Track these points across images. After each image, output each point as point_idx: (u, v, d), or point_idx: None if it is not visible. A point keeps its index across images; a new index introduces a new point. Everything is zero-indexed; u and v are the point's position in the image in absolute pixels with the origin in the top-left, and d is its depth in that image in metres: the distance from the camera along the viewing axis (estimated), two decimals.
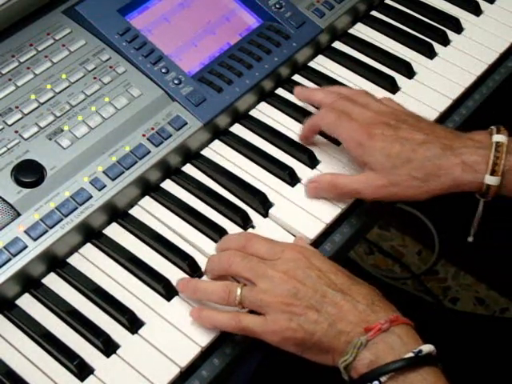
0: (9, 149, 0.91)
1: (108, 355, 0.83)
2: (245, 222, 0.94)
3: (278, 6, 1.11)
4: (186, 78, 1.02)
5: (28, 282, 0.87)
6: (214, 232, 0.93)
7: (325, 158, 1.01)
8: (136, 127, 0.96)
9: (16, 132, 0.92)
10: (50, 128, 0.94)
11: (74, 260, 0.90)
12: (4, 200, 0.88)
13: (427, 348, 0.78)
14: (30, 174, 0.89)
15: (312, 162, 1.00)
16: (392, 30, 1.18)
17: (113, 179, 0.92)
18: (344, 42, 1.16)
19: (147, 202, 0.96)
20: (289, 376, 1.09)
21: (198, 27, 1.07)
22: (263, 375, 1.12)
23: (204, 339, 0.85)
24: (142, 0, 1.06)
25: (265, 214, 0.96)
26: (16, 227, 0.87)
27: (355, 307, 0.80)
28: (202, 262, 0.90)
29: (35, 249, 0.86)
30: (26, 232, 0.87)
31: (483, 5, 1.22)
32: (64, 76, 0.97)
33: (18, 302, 0.87)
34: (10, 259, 0.85)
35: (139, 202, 0.96)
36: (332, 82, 1.09)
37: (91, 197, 0.91)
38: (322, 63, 1.13)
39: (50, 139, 0.93)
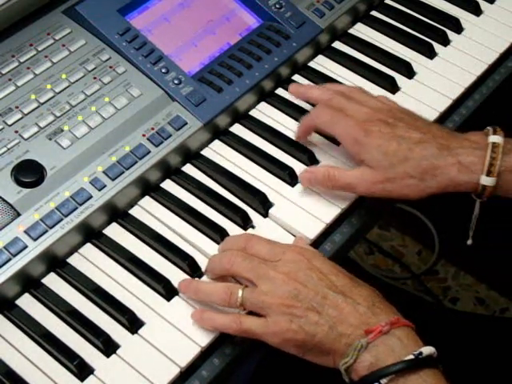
0: (9, 149, 0.91)
1: (108, 355, 0.83)
2: (245, 222, 0.94)
3: (278, 6, 1.11)
4: (186, 78, 1.02)
5: (28, 281, 0.87)
6: (214, 232, 0.93)
7: (324, 157, 1.01)
8: (136, 127, 0.96)
9: (16, 132, 0.92)
10: (50, 128, 0.94)
11: (74, 260, 0.90)
12: (4, 200, 0.88)
13: (428, 350, 0.78)
14: (30, 173, 0.89)
15: (312, 162, 1.00)
16: (392, 30, 1.18)
17: (113, 179, 0.92)
18: (344, 42, 1.16)
19: (147, 202, 0.96)
20: (289, 376, 1.09)
21: (198, 27, 1.07)
22: (263, 375, 1.12)
23: (204, 339, 0.85)
24: (142, 0, 1.06)
25: (265, 214, 0.96)
26: (16, 227, 0.87)
27: (356, 309, 0.80)
28: (202, 262, 0.90)
29: (35, 249, 0.86)
30: (25, 232, 0.87)
31: (483, 5, 1.22)
32: (64, 76, 0.97)
33: (18, 301, 0.87)
34: (9, 259, 0.85)
35: (139, 202, 0.96)
36: (332, 82, 1.09)
37: (91, 197, 0.91)
38: (321, 63, 1.13)
39: (50, 139, 0.93)
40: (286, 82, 1.09)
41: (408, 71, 1.12)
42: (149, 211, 0.95)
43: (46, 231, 0.87)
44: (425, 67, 1.13)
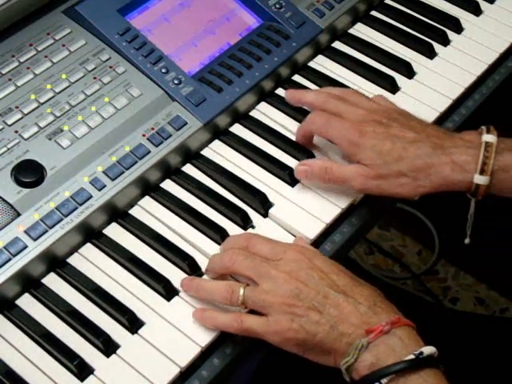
0: (9, 149, 0.91)
1: (108, 355, 0.83)
2: (245, 222, 0.94)
3: (278, 6, 1.11)
4: (186, 78, 1.02)
5: (28, 281, 0.87)
6: (214, 232, 0.93)
7: (324, 158, 1.01)
8: (136, 127, 0.96)
9: (16, 132, 0.92)
10: (50, 128, 0.94)
11: (74, 260, 0.90)
12: (4, 200, 0.88)
13: (428, 350, 0.78)
14: (30, 174, 0.89)
15: None
16: (392, 30, 1.18)
17: (113, 179, 0.92)
18: (344, 42, 1.16)
19: (147, 202, 0.96)
20: (290, 375, 1.09)
21: (198, 27, 1.07)
22: (263, 375, 1.12)
23: (204, 339, 0.85)
24: (142, 0, 1.06)
25: (265, 214, 0.96)
26: (16, 227, 0.87)
27: (357, 309, 0.80)
28: (202, 262, 0.90)
29: (35, 249, 0.86)
30: (26, 232, 0.87)
31: (483, 5, 1.22)
32: (64, 76, 0.97)
33: (18, 302, 0.87)
34: (9, 259, 0.85)
35: (139, 202, 0.96)
36: (332, 82, 1.09)
37: (91, 197, 0.91)
38: (321, 63, 1.13)
39: (50, 139, 0.93)
40: (286, 82, 1.09)
41: (408, 71, 1.12)
42: (149, 211, 0.95)
43: (46, 231, 0.87)
44: (425, 67, 1.13)
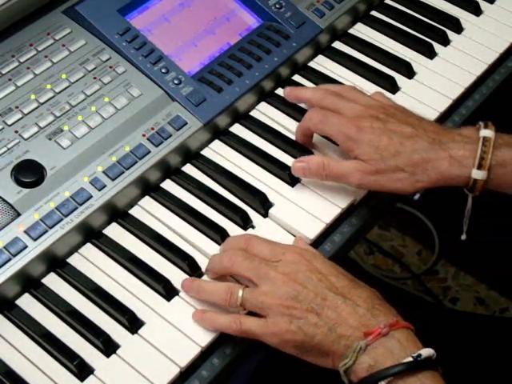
0: (9, 149, 0.91)
1: (108, 355, 0.83)
2: (245, 222, 0.94)
3: (278, 6, 1.11)
4: (186, 78, 1.02)
5: (28, 281, 0.87)
6: (214, 232, 0.93)
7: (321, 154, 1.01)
8: (136, 127, 0.96)
9: (16, 132, 0.92)
10: (50, 128, 0.94)
11: (74, 260, 0.90)
12: (4, 200, 0.88)
13: (426, 352, 0.78)
14: (30, 173, 0.89)
15: None
16: (392, 30, 1.18)
17: (113, 179, 0.92)
18: (344, 42, 1.16)
19: (147, 202, 0.96)
20: (289, 376, 1.09)
21: (198, 27, 1.07)
22: (263, 375, 1.12)
23: (204, 339, 0.85)
24: (142, 0, 1.06)
25: (265, 214, 0.96)
26: (16, 227, 0.87)
27: (355, 311, 0.80)
28: (202, 262, 0.90)
29: (35, 249, 0.86)
30: (26, 232, 0.87)
31: (483, 5, 1.22)
32: (64, 76, 0.97)
33: (18, 301, 0.87)
34: (9, 259, 0.85)
35: (139, 202, 0.96)
36: (332, 82, 1.09)
37: (91, 197, 0.91)
38: (321, 63, 1.13)
39: (50, 139, 0.93)
40: (286, 82, 1.09)
41: (408, 71, 1.12)
42: (149, 211, 0.95)
43: (46, 231, 0.87)
44: (425, 67, 1.13)
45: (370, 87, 1.09)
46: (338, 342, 0.80)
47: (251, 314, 0.84)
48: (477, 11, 1.21)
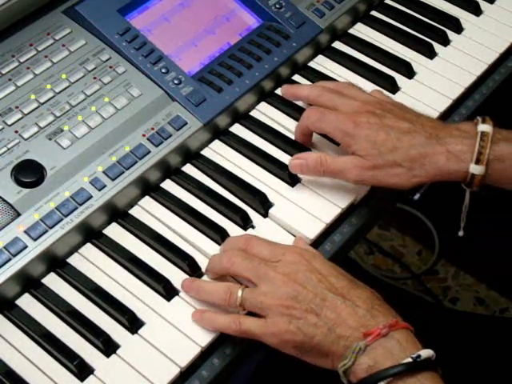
0: (9, 149, 0.91)
1: (108, 355, 0.83)
2: (245, 222, 0.94)
3: (278, 6, 1.11)
4: (186, 78, 1.02)
5: (28, 281, 0.87)
6: (214, 232, 0.93)
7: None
8: (136, 127, 0.96)
9: (16, 132, 0.92)
10: (50, 128, 0.94)
11: (74, 260, 0.90)
12: (4, 200, 0.88)
13: (426, 353, 0.77)
14: (30, 173, 0.89)
15: None
16: (392, 30, 1.18)
17: (113, 179, 0.92)
18: (344, 42, 1.16)
19: (147, 202, 0.96)
20: (288, 376, 1.09)
21: (198, 27, 1.07)
22: (263, 375, 1.12)
23: (204, 339, 0.85)
24: (142, 0, 1.06)
25: (265, 214, 0.96)
26: (16, 227, 0.87)
27: (355, 312, 0.80)
28: (202, 262, 0.90)
29: (35, 249, 0.86)
30: (26, 232, 0.87)
31: (483, 5, 1.22)
32: (64, 76, 0.97)
33: (18, 301, 0.87)
34: (9, 259, 0.85)
35: (139, 202, 0.96)
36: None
37: (91, 197, 0.91)
38: (321, 63, 1.13)
39: (50, 139, 0.93)
40: (285, 82, 1.09)
41: (408, 71, 1.12)
42: (149, 211, 0.95)
43: (46, 231, 0.87)
44: (425, 67, 1.13)
45: (369, 87, 1.09)
46: (337, 343, 0.80)
47: (251, 314, 0.84)
48: (477, 11, 1.21)
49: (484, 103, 1.11)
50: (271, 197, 0.97)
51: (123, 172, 0.93)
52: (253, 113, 1.06)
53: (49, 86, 0.96)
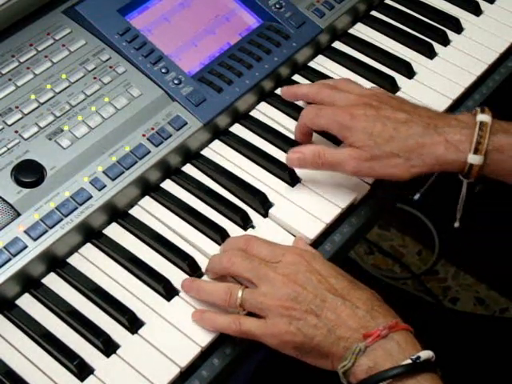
0: (9, 149, 0.91)
1: (108, 355, 0.83)
2: (245, 222, 0.94)
3: (278, 6, 1.11)
4: (186, 78, 1.02)
5: (28, 281, 0.87)
6: (214, 232, 0.93)
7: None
8: (136, 127, 0.96)
9: (16, 132, 0.92)
10: (50, 128, 0.94)
11: (74, 260, 0.90)
12: (4, 200, 0.88)
13: (426, 354, 0.77)
14: (30, 173, 0.89)
15: None
16: (392, 30, 1.18)
17: (113, 179, 0.92)
18: (344, 42, 1.16)
19: (147, 202, 0.96)
20: (288, 377, 1.09)
21: (198, 27, 1.07)
22: (263, 375, 1.12)
23: (204, 339, 0.85)
24: (142, 0, 1.06)
25: (265, 214, 0.96)
26: (16, 227, 0.87)
27: (355, 313, 0.80)
28: (202, 262, 0.90)
29: (35, 249, 0.86)
30: (26, 232, 0.87)
31: (483, 5, 1.22)
32: (64, 76, 0.97)
33: (18, 301, 0.87)
34: (9, 259, 0.85)
35: (139, 202, 0.96)
36: None
37: (91, 197, 0.91)
38: (321, 63, 1.13)
39: (50, 139, 0.93)
40: (285, 82, 1.09)
41: (408, 71, 1.12)
42: (149, 211, 0.95)
43: (46, 231, 0.87)
44: (425, 67, 1.13)
45: (370, 87, 1.09)
46: (337, 344, 0.80)
47: (251, 314, 0.84)
48: (477, 11, 1.21)
49: (484, 103, 1.11)
50: (271, 197, 0.97)
51: (123, 172, 0.93)
52: (253, 113, 1.06)
53: (49, 86, 0.96)
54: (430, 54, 1.15)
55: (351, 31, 1.17)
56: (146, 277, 0.89)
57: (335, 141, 1.01)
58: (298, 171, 0.99)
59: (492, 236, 1.76)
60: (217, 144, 1.02)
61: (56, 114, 0.94)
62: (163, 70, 1.01)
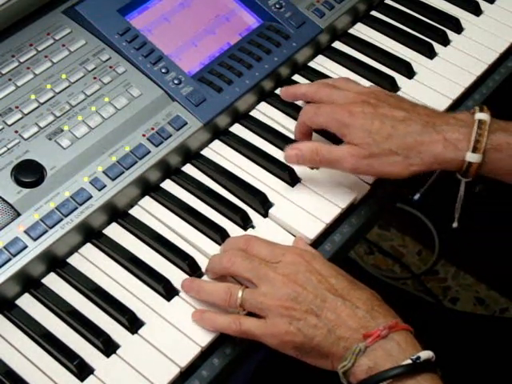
0: (9, 149, 0.91)
1: (108, 355, 0.83)
2: (245, 222, 0.94)
3: (278, 6, 1.11)
4: (186, 78, 1.02)
5: (28, 281, 0.87)
6: (214, 232, 0.93)
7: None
8: (136, 127, 0.96)
9: (16, 132, 0.92)
10: (50, 128, 0.94)
11: (74, 260, 0.90)
12: (4, 200, 0.88)
13: (425, 354, 0.77)
14: (30, 173, 0.89)
15: None
16: (392, 30, 1.18)
17: (113, 179, 0.92)
18: (344, 42, 1.16)
19: (147, 202, 0.96)
20: (288, 377, 1.09)
21: (197, 27, 1.07)
22: (263, 375, 1.12)
23: (204, 339, 0.85)
24: (142, 0, 1.06)
25: (265, 214, 0.96)
26: (16, 227, 0.87)
27: (355, 313, 0.80)
28: (202, 261, 0.90)
29: (35, 249, 0.86)
30: (26, 232, 0.87)
31: (483, 5, 1.22)
32: (64, 76, 0.97)
33: (18, 301, 0.87)
34: (9, 259, 0.85)
35: (139, 202, 0.96)
36: None
37: (91, 197, 0.91)
38: (321, 63, 1.13)
39: (50, 139, 0.93)
40: (285, 82, 1.09)
41: (408, 71, 1.12)
42: (149, 211, 0.95)
43: (46, 231, 0.87)
44: (425, 67, 1.13)
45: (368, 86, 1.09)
46: (337, 344, 0.80)
47: (251, 314, 0.84)
48: (477, 11, 1.21)
49: (484, 103, 1.11)
50: (271, 197, 0.97)
51: (123, 172, 0.93)
52: (253, 113, 1.06)
53: (49, 86, 0.96)
54: (430, 53, 1.15)
55: (351, 31, 1.17)
56: (146, 277, 0.89)
57: (335, 141, 1.01)
58: (298, 171, 0.99)
59: (492, 236, 1.76)
60: (217, 144, 1.02)
61: (56, 114, 0.94)
62: (163, 70, 1.01)
